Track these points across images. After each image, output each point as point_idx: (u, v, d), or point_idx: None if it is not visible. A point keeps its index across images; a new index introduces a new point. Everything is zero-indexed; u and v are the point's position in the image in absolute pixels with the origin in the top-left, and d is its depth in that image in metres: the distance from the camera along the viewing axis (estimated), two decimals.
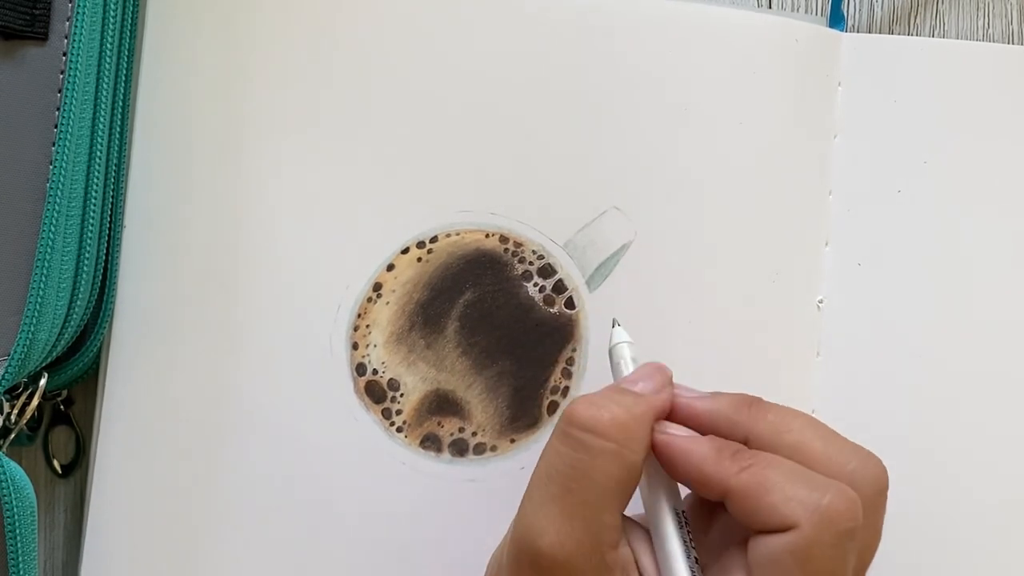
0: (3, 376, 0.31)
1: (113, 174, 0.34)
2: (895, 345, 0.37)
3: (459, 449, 0.36)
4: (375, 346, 0.36)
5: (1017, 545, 0.36)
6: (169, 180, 0.36)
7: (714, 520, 0.30)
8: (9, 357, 0.31)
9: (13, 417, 0.33)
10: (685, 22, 0.37)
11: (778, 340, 0.36)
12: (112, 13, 0.33)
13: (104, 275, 0.34)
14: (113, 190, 0.34)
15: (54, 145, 0.31)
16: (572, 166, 0.36)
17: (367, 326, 0.36)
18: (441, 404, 0.36)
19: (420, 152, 0.36)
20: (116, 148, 0.34)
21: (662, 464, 0.30)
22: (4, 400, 0.33)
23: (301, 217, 0.36)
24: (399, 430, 0.36)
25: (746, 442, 0.30)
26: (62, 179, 0.31)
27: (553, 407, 0.36)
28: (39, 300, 0.31)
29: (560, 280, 0.37)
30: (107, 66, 0.33)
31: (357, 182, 0.36)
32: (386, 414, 0.36)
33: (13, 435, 0.33)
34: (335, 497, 0.36)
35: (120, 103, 0.34)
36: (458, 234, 0.36)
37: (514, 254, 0.36)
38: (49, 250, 0.31)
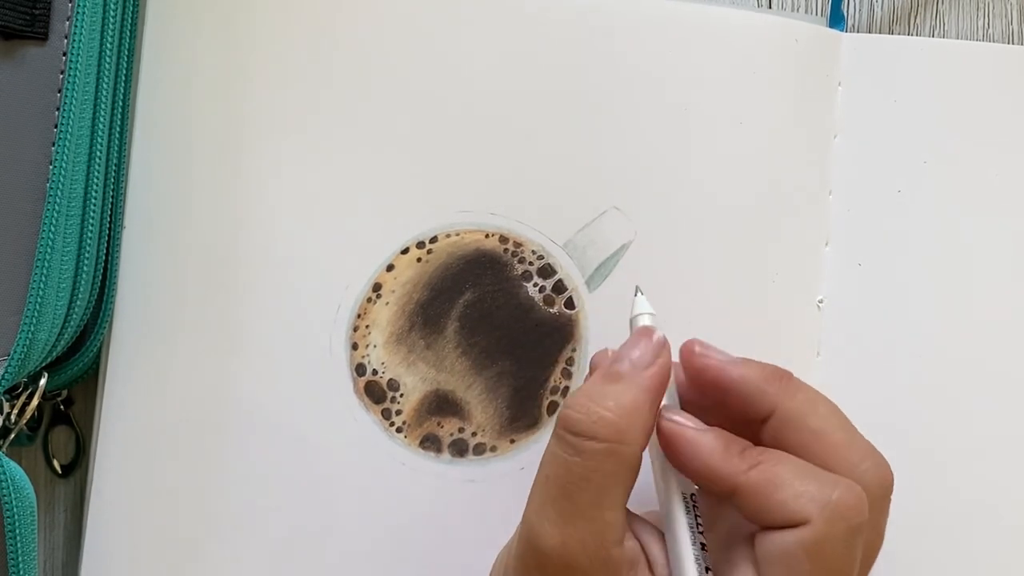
0: (3, 376, 0.31)
1: (113, 174, 0.34)
2: (895, 345, 0.37)
3: (459, 449, 0.36)
4: (375, 346, 0.36)
5: (1017, 545, 0.36)
6: (169, 180, 0.36)
7: (719, 516, 0.30)
8: (9, 357, 0.31)
9: (13, 417, 0.33)
10: (685, 22, 0.37)
11: (778, 340, 0.36)
12: (112, 13, 0.33)
13: (104, 275, 0.34)
14: (113, 190, 0.34)
15: (54, 145, 0.31)
16: (572, 166, 0.36)
17: (367, 326, 0.36)
18: (441, 404, 0.36)
19: (420, 152, 0.36)
20: (116, 148, 0.34)
21: (667, 454, 0.29)
22: (4, 400, 0.33)
23: (301, 217, 0.36)
24: (399, 430, 0.36)
25: (771, 415, 0.29)
26: (62, 179, 0.31)
27: (553, 407, 0.36)
28: (39, 300, 0.31)
29: (560, 280, 0.37)
30: (107, 66, 0.33)
31: (357, 182, 0.36)
32: (386, 414, 0.36)
33: (13, 435, 0.33)
34: (335, 497, 0.36)
35: (120, 103, 0.34)
36: (458, 234, 0.36)
37: (514, 254, 0.36)
38: (49, 250, 0.31)
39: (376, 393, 0.36)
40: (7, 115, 0.31)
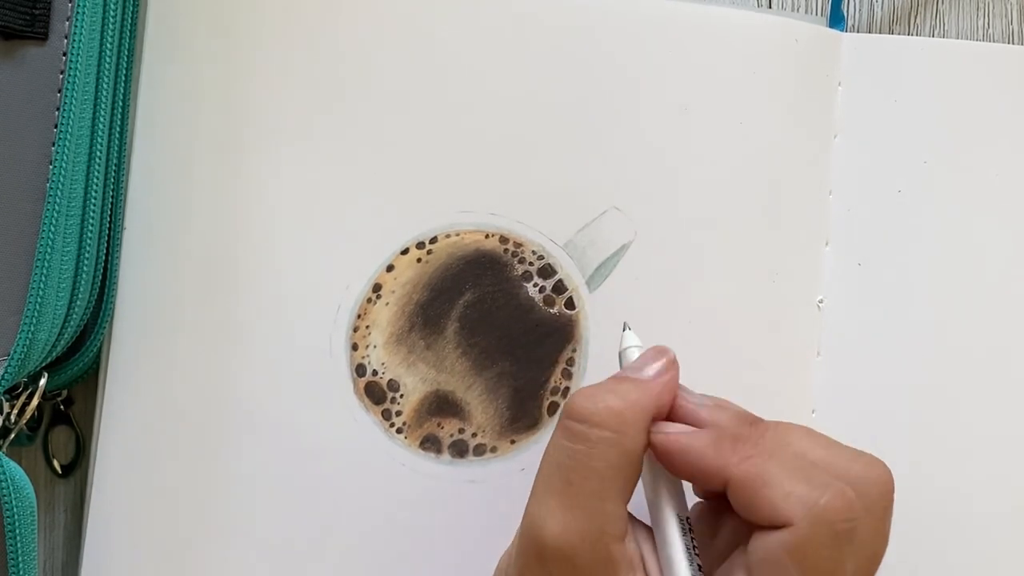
0: (3, 376, 0.31)
1: (113, 174, 0.34)
2: (895, 345, 0.36)
3: (459, 450, 0.36)
4: (375, 347, 0.36)
5: (1018, 546, 0.36)
6: (169, 180, 0.36)
7: (720, 526, 0.30)
8: (9, 357, 0.31)
9: (13, 417, 0.33)
10: (685, 22, 0.37)
11: (778, 340, 0.36)
12: (112, 13, 0.33)
13: (104, 275, 0.34)
14: (113, 190, 0.34)
15: (54, 145, 0.31)
16: (572, 166, 0.36)
17: (367, 327, 0.36)
18: (441, 405, 0.36)
19: (420, 152, 0.36)
20: (116, 148, 0.34)
21: (662, 462, 0.30)
22: (4, 400, 0.33)
23: (300, 217, 0.36)
24: (399, 431, 0.36)
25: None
26: (62, 179, 0.31)
27: (553, 408, 0.36)
28: (39, 300, 0.31)
29: (560, 280, 0.37)
30: (107, 66, 0.33)
31: (356, 182, 0.36)
32: (386, 415, 0.36)
33: (13, 435, 0.33)
34: (335, 498, 0.35)
35: (120, 103, 0.34)
36: (458, 235, 0.36)
37: (514, 254, 0.36)
38: (49, 250, 0.31)
39: (376, 394, 0.36)
40: (7, 115, 0.31)
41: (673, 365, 0.30)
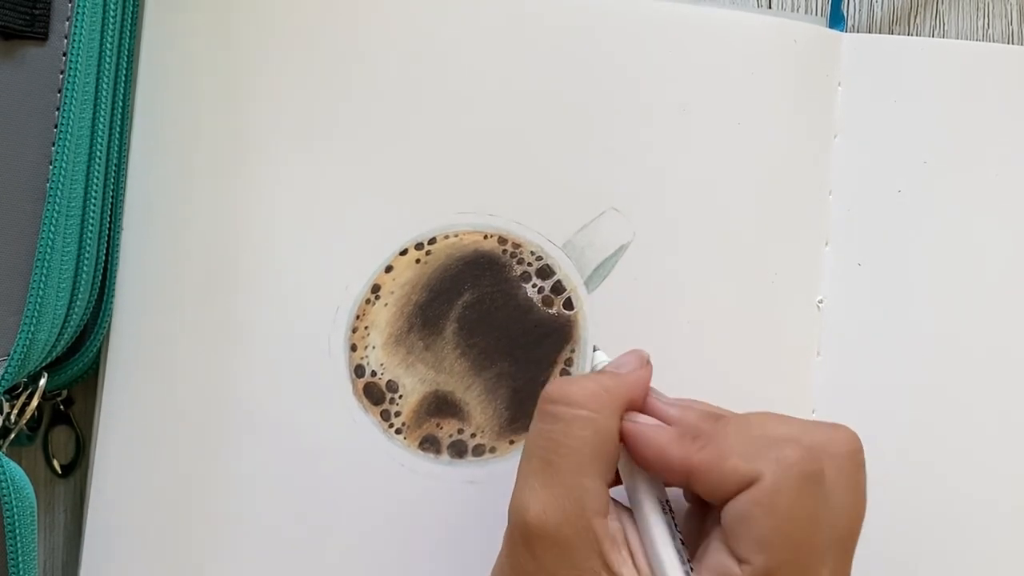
0: (3, 376, 0.31)
1: (113, 174, 0.34)
2: (895, 345, 0.36)
3: (458, 450, 0.36)
4: (374, 348, 0.36)
5: (1018, 545, 0.36)
6: (168, 181, 0.36)
7: (700, 526, 0.30)
8: (9, 357, 0.31)
9: (13, 417, 0.33)
10: (685, 23, 0.37)
11: (778, 340, 0.36)
12: (112, 13, 0.33)
13: (104, 275, 0.34)
14: (113, 190, 0.34)
15: (54, 145, 0.32)
16: (571, 167, 0.36)
17: (366, 328, 0.36)
18: (440, 405, 0.36)
19: (419, 153, 0.36)
20: (116, 148, 0.34)
21: (630, 451, 0.30)
22: (4, 400, 0.33)
23: (300, 218, 0.36)
24: (398, 432, 0.36)
25: None
26: (62, 179, 0.31)
27: None
28: (39, 300, 0.31)
29: (559, 281, 0.37)
30: (107, 66, 0.33)
31: (355, 183, 0.36)
32: (385, 416, 0.36)
33: (13, 435, 0.33)
34: (334, 499, 0.35)
35: (120, 103, 0.34)
36: (456, 235, 0.36)
37: (512, 255, 0.36)
38: (49, 250, 0.31)
39: (375, 394, 0.36)
40: (7, 115, 0.32)
41: (646, 364, 0.32)
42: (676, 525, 0.30)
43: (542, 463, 0.29)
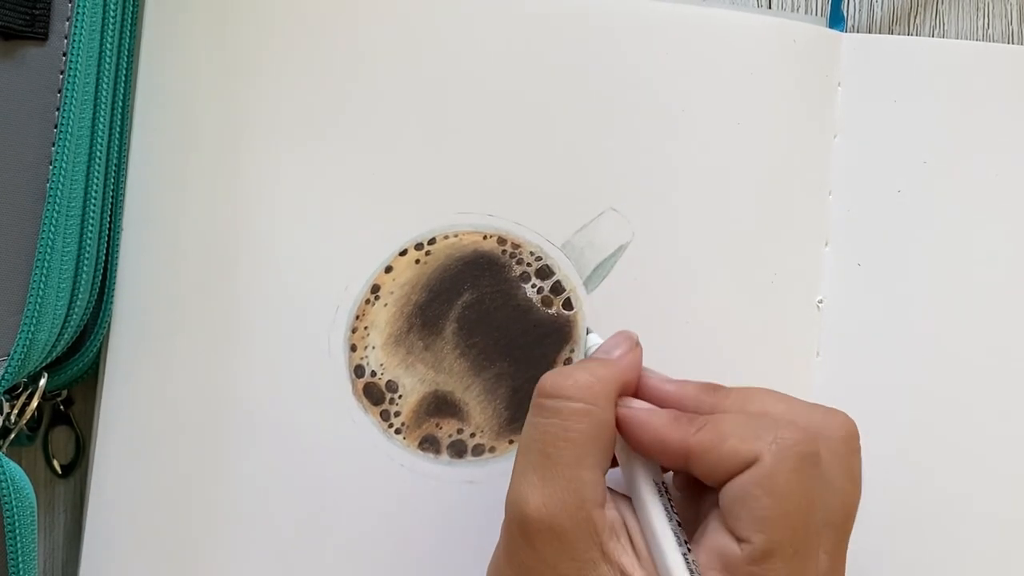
0: (3, 376, 0.31)
1: (113, 174, 0.34)
2: (895, 345, 0.36)
3: (458, 450, 0.36)
4: (373, 348, 0.36)
5: (1018, 544, 0.36)
6: (168, 181, 0.36)
7: (697, 510, 0.30)
8: (9, 357, 0.31)
9: (13, 417, 0.33)
10: (684, 23, 0.37)
11: (778, 340, 0.36)
12: (112, 13, 0.33)
13: (104, 275, 0.34)
14: (113, 190, 0.34)
15: (54, 145, 0.32)
16: (570, 167, 0.36)
17: (365, 328, 0.36)
18: (439, 405, 0.36)
19: (418, 154, 0.36)
20: (116, 148, 0.34)
21: (625, 437, 0.30)
22: (4, 400, 0.33)
23: (299, 218, 0.36)
24: (397, 432, 0.36)
25: None
26: (62, 179, 0.31)
27: None
28: (39, 300, 0.31)
29: (558, 281, 0.37)
30: (107, 66, 0.33)
31: (355, 184, 0.36)
32: (384, 416, 0.36)
33: (13, 435, 0.33)
34: (334, 499, 0.35)
35: (120, 103, 0.34)
36: (456, 236, 0.36)
37: (512, 255, 0.36)
38: (49, 250, 0.31)
39: (375, 394, 0.36)
40: (7, 115, 0.32)
41: (636, 346, 0.32)
42: (673, 508, 0.30)
43: (540, 456, 0.29)
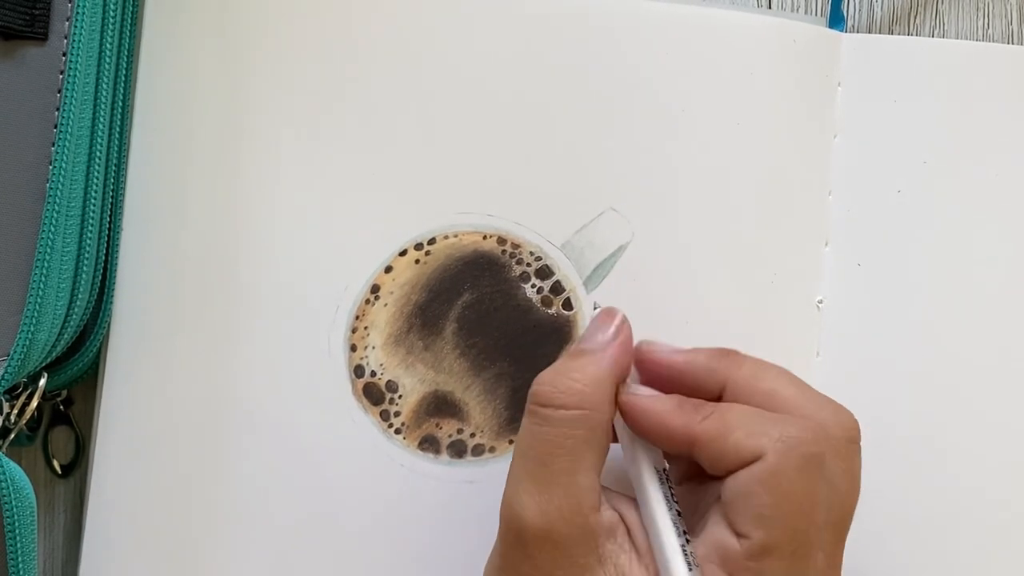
0: (3, 376, 0.31)
1: (113, 174, 0.34)
2: (895, 345, 0.36)
3: (458, 450, 0.36)
4: (373, 348, 0.36)
5: (1018, 544, 0.36)
6: (168, 181, 0.36)
7: (698, 501, 0.31)
8: (9, 357, 0.31)
9: (13, 417, 0.33)
10: (684, 23, 0.37)
11: (778, 340, 0.36)
12: (112, 13, 0.33)
13: (104, 275, 0.34)
14: (113, 190, 0.34)
15: (54, 145, 0.32)
16: (570, 167, 0.36)
17: (365, 328, 0.36)
18: (439, 405, 0.36)
19: (418, 154, 0.36)
20: (116, 148, 0.34)
21: (629, 424, 0.30)
22: (4, 400, 0.33)
23: (299, 218, 0.36)
24: (397, 432, 0.36)
25: (723, 389, 0.30)
26: (62, 179, 0.31)
27: None
28: (39, 300, 0.31)
29: (558, 281, 0.37)
30: (107, 66, 0.33)
31: (355, 183, 0.36)
32: (384, 416, 0.36)
33: (13, 435, 0.33)
34: (334, 499, 0.35)
35: (120, 103, 0.34)
36: (456, 236, 0.36)
37: (512, 255, 0.36)
38: (49, 250, 0.31)
39: (375, 394, 0.36)
40: (7, 115, 0.32)
41: (624, 325, 0.31)
42: (674, 496, 0.30)
43: (537, 464, 0.29)
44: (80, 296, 0.33)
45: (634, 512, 0.30)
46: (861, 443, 0.30)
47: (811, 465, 0.28)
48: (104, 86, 0.33)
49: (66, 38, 0.32)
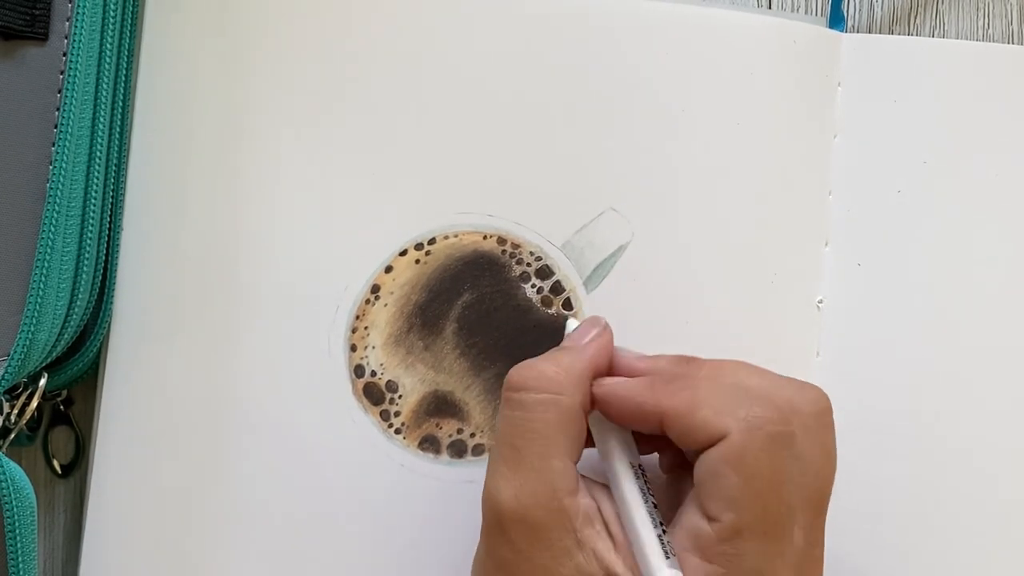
0: (3, 376, 0.31)
1: (113, 174, 0.34)
2: (895, 345, 0.36)
3: (458, 450, 0.36)
4: (373, 348, 0.36)
5: (1018, 543, 0.36)
6: (168, 181, 0.36)
7: (677, 492, 0.31)
8: (9, 357, 0.31)
9: (13, 417, 0.33)
10: (684, 23, 0.37)
11: (778, 340, 0.36)
12: (112, 13, 0.33)
13: (104, 275, 0.34)
14: (113, 190, 0.34)
15: (54, 145, 0.32)
16: (570, 167, 0.36)
17: (365, 328, 0.36)
18: (440, 405, 0.36)
19: (418, 154, 0.36)
20: (116, 148, 0.34)
21: (604, 412, 0.31)
22: (4, 400, 0.33)
23: (299, 218, 0.36)
24: (397, 432, 0.36)
25: None
26: (62, 179, 0.31)
27: None
28: (39, 300, 0.31)
29: (558, 281, 0.37)
30: (107, 66, 0.33)
31: (355, 184, 0.36)
32: (384, 416, 0.36)
33: (13, 435, 0.34)
34: (334, 499, 0.35)
35: (120, 103, 0.34)
36: (456, 236, 0.36)
37: (512, 255, 0.36)
38: (49, 250, 0.31)
39: (375, 394, 0.36)
40: (7, 115, 0.32)
41: (605, 330, 0.32)
42: (649, 490, 0.30)
43: (509, 449, 0.29)
44: (80, 296, 0.33)
45: (610, 503, 0.30)
46: (833, 417, 0.30)
47: (776, 444, 0.28)
48: (104, 86, 0.33)
49: (66, 38, 0.32)
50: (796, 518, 0.28)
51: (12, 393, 0.33)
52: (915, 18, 0.39)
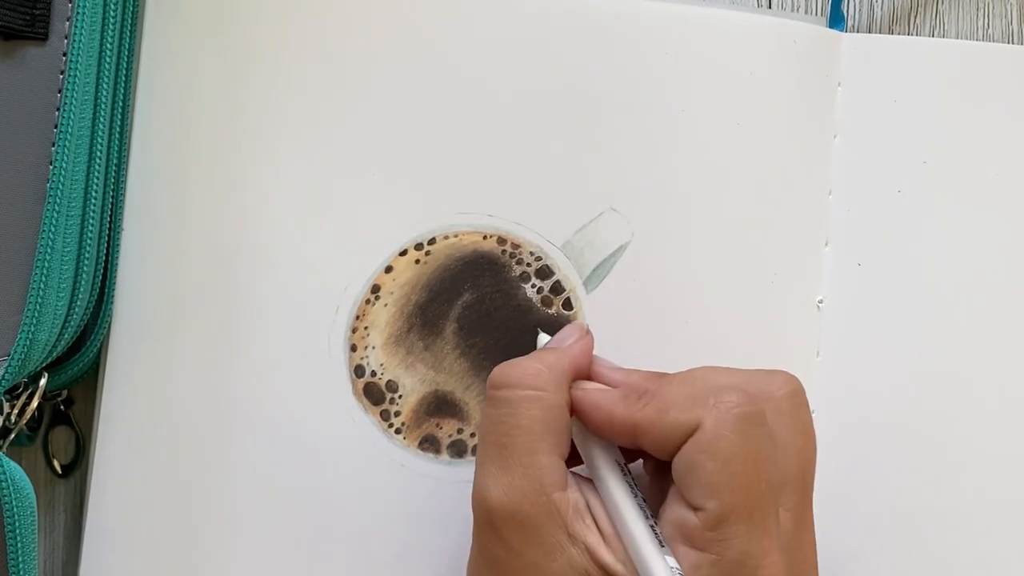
0: (3, 376, 0.31)
1: (113, 174, 0.34)
2: (895, 345, 0.36)
3: (458, 450, 0.36)
4: (373, 348, 0.36)
5: (1018, 543, 0.36)
6: (168, 181, 0.36)
7: (664, 496, 0.31)
8: (9, 357, 0.31)
9: (13, 417, 0.33)
10: (684, 23, 0.37)
11: (778, 340, 0.36)
12: (112, 13, 0.33)
13: (104, 275, 0.34)
14: (113, 190, 0.34)
15: (54, 145, 0.32)
16: (570, 167, 0.36)
17: (365, 328, 0.36)
18: (440, 405, 0.36)
19: (418, 154, 0.36)
20: (116, 148, 0.34)
21: (580, 418, 0.31)
22: (4, 400, 0.33)
23: (299, 219, 0.36)
24: (398, 432, 0.36)
25: None
26: (62, 179, 0.31)
27: None
28: (39, 300, 0.31)
29: (558, 281, 0.37)
30: (107, 66, 0.33)
31: (355, 184, 0.36)
32: (384, 416, 0.36)
33: (13, 435, 0.34)
34: (334, 499, 0.36)
35: (120, 103, 0.34)
36: (456, 236, 0.36)
37: (512, 255, 0.37)
38: (49, 250, 0.31)
39: (375, 394, 0.36)
40: (7, 115, 0.32)
41: (587, 335, 0.33)
42: (636, 485, 0.30)
43: (496, 447, 0.30)
44: (80, 296, 0.33)
45: (599, 499, 0.30)
46: (807, 397, 0.30)
47: (748, 425, 0.28)
48: (104, 86, 0.33)
49: (66, 38, 0.32)
50: (780, 499, 0.29)
51: (12, 393, 0.33)
52: (915, 18, 0.39)
